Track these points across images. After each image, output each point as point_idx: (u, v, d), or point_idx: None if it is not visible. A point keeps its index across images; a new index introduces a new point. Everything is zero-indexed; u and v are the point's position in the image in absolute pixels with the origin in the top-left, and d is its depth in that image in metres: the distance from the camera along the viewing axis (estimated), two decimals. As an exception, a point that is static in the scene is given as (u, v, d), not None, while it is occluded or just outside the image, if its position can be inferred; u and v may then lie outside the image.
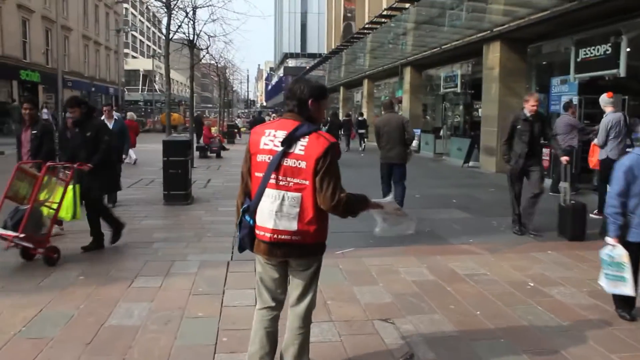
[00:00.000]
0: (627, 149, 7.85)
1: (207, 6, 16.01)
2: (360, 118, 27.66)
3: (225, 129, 31.45)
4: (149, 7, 56.30)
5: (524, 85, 15.15)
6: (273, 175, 2.91)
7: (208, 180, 13.44)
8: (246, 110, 58.12)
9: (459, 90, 20.38)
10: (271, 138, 2.97)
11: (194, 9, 15.69)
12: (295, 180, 2.89)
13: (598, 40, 11.88)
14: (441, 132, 21.75)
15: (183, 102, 54.23)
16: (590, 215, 8.21)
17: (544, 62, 15.31)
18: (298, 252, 3.03)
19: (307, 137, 2.90)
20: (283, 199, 2.91)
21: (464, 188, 12.41)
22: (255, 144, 3.02)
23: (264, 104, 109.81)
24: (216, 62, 31.41)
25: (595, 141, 8.75)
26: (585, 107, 12.24)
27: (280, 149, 2.91)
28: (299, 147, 2.89)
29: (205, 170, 15.87)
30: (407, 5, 18.55)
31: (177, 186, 9.68)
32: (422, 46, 20.71)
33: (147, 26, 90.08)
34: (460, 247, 6.89)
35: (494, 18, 14.82)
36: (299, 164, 2.88)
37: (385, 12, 21.79)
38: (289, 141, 2.90)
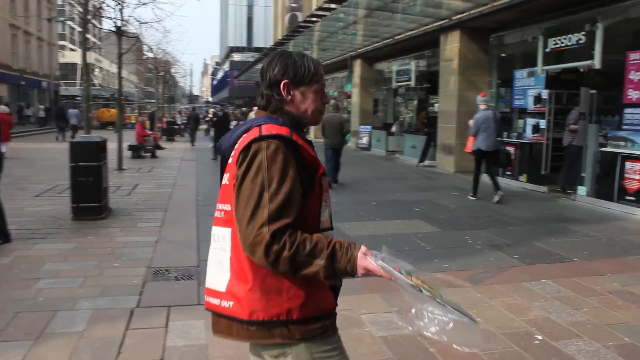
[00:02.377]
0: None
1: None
2: None
3: (164, 125, 29.41)
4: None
5: (486, 78, 14.01)
6: (218, 205, 1.86)
7: (135, 185, 11.70)
8: (189, 106, 55.65)
9: (413, 84, 19.16)
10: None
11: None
12: (222, 207, 1.82)
13: (570, 28, 10.77)
14: (393, 129, 20.53)
15: (125, 98, 51.44)
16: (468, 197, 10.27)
17: (508, 53, 14.19)
18: (236, 332, 1.77)
19: (245, 134, 1.80)
20: (215, 239, 1.83)
21: (424, 192, 11.13)
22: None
23: (210, 99, 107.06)
24: (154, 54, 29.40)
25: (470, 133, 10.19)
26: (555, 103, 11.17)
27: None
28: (232, 154, 1.83)
29: (135, 173, 14.08)
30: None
31: (88, 197, 7.96)
32: (374, 37, 19.42)
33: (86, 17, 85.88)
34: (435, 277, 5.51)
35: (453, 5, 13.60)
36: (226, 178, 1.83)
37: (332, 6, 20.36)
38: (229, 147, 1.89)
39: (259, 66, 37.37)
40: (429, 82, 18.15)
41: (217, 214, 1.82)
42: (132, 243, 6.63)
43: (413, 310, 1.65)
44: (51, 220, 7.94)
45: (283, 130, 1.73)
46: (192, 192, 10.83)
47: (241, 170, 1.69)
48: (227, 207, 1.77)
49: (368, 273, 1.66)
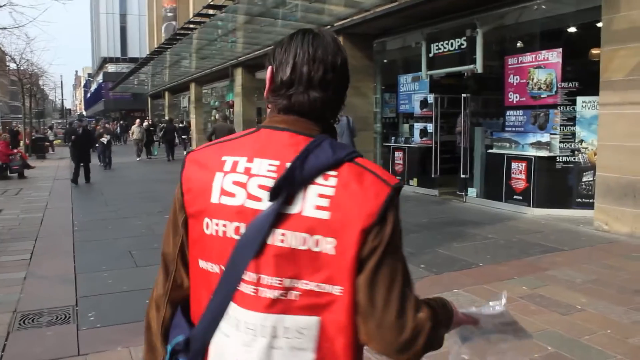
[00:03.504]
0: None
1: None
2: (181, 125, 29.43)
3: (29, 143, 27.08)
4: None
5: (371, 84, 14.01)
6: (249, 273, 1.17)
7: (-1, 211, 10.42)
8: (61, 121, 52.15)
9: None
10: (241, 178, 1.21)
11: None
12: (306, 285, 1.17)
13: (452, 34, 10.95)
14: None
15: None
16: None
17: (391, 59, 14.30)
18: None
19: (337, 171, 1.18)
20: (275, 335, 1.17)
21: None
22: (200, 191, 1.25)
23: (84, 113, 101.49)
24: (17, 65, 27.08)
25: None
26: (441, 106, 11.30)
27: (266, 205, 1.17)
28: (316, 200, 1.16)
29: (-1, 197, 12.65)
30: (229, 3, 16.62)
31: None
32: (255, 44, 18.95)
33: None
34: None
35: (335, 11, 13.47)
36: (318, 242, 1.15)
37: (211, 5, 19.66)
38: (289, 186, 1.16)
39: (137, 77, 35.78)
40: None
41: (247, 288, 1.18)
42: (-6, 283, 5.69)
43: None
44: None
45: (394, 178, 1.25)
46: (66, 216, 9.76)
47: (385, 235, 1.16)
48: (308, 285, 1.16)
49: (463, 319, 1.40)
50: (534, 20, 9.96)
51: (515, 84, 9.75)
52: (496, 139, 10.23)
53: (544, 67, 9.13)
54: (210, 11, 18.92)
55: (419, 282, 5.41)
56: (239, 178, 1.20)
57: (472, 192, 10.48)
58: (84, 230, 8.37)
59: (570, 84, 9.06)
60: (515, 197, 9.59)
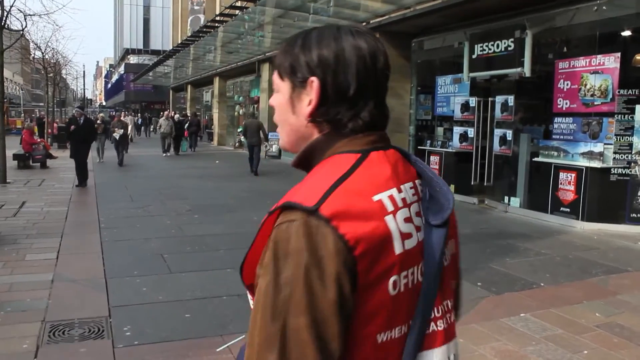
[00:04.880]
0: None
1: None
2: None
3: (55, 131, 26.88)
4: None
5: (408, 85, 13.51)
6: (438, 308, 1.07)
7: (22, 203, 10.05)
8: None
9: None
10: (406, 213, 1.03)
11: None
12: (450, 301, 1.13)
13: (498, 35, 10.39)
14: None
15: (9, 100, 47.19)
16: None
17: (429, 59, 13.76)
18: None
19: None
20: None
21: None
22: (380, 248, 0.96)
23: (104, 103, 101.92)
24: (43, 53, 26.90)
25: None
26: (483, 110, 10.79)
27: (424, 232, 1.06)
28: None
29: (22, 187, 12.34)
30: (263, -6, 16.19)
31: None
32: (284, 40, 18.51)
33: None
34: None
35: (372, 7, 13.00)
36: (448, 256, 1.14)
37: (238, 4, 19.29)
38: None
39: (160, 69, 35.58)
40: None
41: (448, 317, 1.09)
42: (20, 285, 5.28)
43: None
44: None
45: None
46: (92, 211, 9.41)
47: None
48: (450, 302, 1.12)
49: None
50: (588, 22, 9.37)
51: (565, 89, 9.21)
52: (543, 147, 9.71)
53: (600, 72, 8.59)
54: (239, 3, 18.59)
55: (480, 303, 4.96)
56: (405, 213, 1.02)
57: (514, 201, 9.96)
58: (111, 228, 7.99)
59: (629, 91, 8.50)
60: (562, 209, 9.06)
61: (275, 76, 1.16)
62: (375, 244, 0.95)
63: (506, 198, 10.13)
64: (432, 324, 1.05)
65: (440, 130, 12.70)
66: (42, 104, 43.17)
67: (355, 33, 1.08)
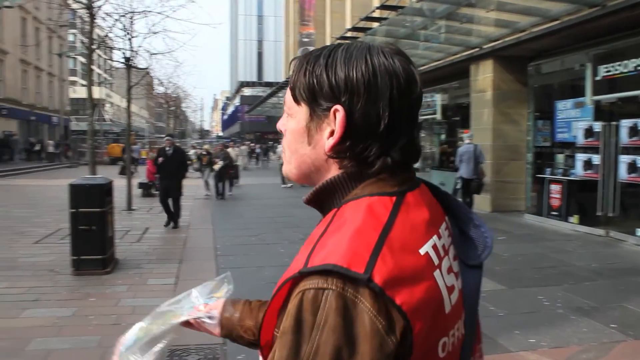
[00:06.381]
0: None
1: (144, 12, 13.06)
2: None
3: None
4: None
5: (524, 110, 12.95)
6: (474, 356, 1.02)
7: (145, 229, 10.62)
8: (200, 141, 54.94)
9: (439, 117, 18.19)
10: (448, 263, 0.92)
11: (127, 15, 12.81)
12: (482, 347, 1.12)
13: (626, 54, 9.71)
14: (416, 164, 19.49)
15: (136, 133, 50.74)
16: None
17: (546, 83, 13.14)
18: None
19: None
20: None
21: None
22: (433, 311, 0.84)
23: (221, 134, 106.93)
24: (165, 88, 28.73)
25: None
26: (610, 135, 10.05)
27: (462, 275, 0.97)
28: None
29: (145, 214, 13.07)
30: (374, 24, 16.27)
31: (90, 249, 6.86)
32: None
33: (97, 54, 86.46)
34: (523, 358, 4.34)
35: (485, 32, 12.66)
36: None
37: (348, 35, 19.53)
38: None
39: (272, 100, 36.74)
40: (456, 114, 17.16)
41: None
42: (142, 308, 5.50)
43: None
44: (48, 275, 6.85)
45: None
46: (208, 238, 9.73)
47: None
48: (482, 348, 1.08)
49: None
50: None
51: None
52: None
53: None
54: (349, 34, 18.84)
55: (615, 348, 4.51)
56: (447, 263, 0.92)
57: (646, 233, 9.15)
58: (227, 255, 8.20)
59: None
60: None
61: (289, 97, 0.97)
62: (428, 307, 0.83)
63: (638, 230, 9.32)
64: None
65: (560, 157, 12.01)
66: (163, 135, 46.04)
67: (387, 53, 0.92)
